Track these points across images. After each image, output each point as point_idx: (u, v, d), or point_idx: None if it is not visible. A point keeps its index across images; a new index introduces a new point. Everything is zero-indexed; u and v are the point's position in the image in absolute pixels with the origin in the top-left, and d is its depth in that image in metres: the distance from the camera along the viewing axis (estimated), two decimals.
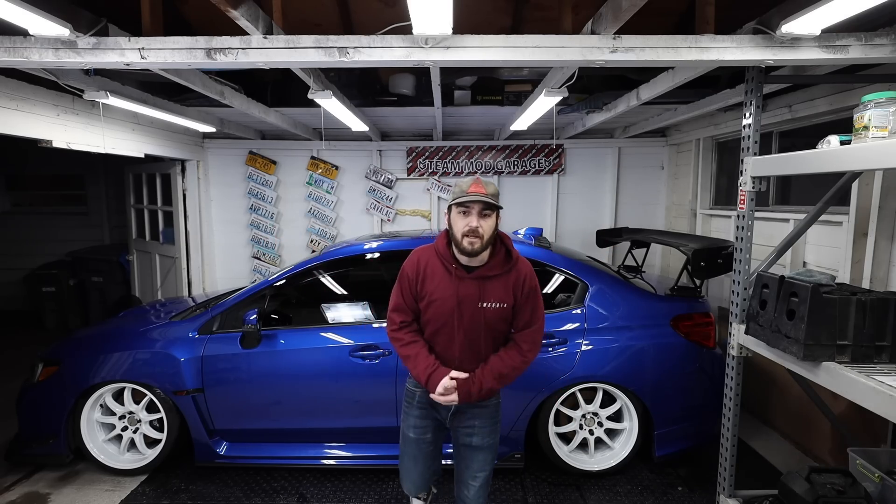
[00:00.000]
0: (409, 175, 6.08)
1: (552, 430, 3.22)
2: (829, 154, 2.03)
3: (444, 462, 2.43)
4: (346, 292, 3.43)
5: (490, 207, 1.94)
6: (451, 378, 1.99)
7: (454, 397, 2.00)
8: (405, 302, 2.10)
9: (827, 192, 2.50)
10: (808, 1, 1.95)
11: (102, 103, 3.64)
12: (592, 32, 2.33)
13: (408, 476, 2.26)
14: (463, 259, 2.02)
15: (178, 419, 3.21)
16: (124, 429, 3.31)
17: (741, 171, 2.56)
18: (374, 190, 6.11)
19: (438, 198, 6.11)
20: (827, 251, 3.43)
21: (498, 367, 2.04)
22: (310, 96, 3.27)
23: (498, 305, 2.01)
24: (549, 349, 3.11)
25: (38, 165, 7.31)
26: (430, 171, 6.05)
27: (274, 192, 6.10)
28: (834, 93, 3.25)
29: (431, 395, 2.03)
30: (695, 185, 5.25)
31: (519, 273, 2.05)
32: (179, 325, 3.34)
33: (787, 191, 4.11)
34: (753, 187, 2.52)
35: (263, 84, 4.19)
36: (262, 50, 2.30)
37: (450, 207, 2.01)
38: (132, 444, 3.34)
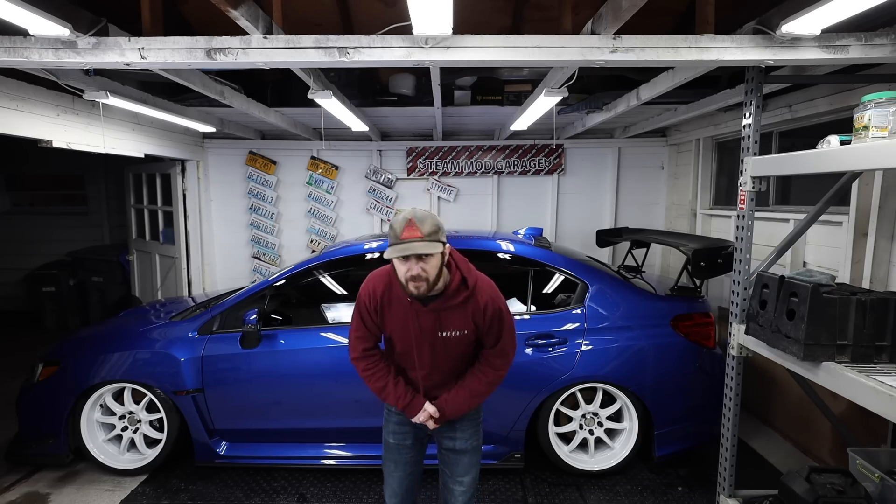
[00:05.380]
0: (409, 175, 6.08)
1: (552, 430, 3.22)
2: (829, 154, 2.03)
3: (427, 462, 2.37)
4: (346, 292, 3.43)
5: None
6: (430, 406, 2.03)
7: (431, 423, 2.05)
8: (366, 328, 2.04)
9: (827, 192, 2.50)
10: (808, 1, 1.95)
11: (102, 103, 3.64)
12: (592, 32, 2.33)
13: (388, 482, 2.25)
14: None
15: (178, 419, 3.21)
16: (124, 429, 3.32)
17: (741, 171, 2.56)
18: (374, 190, 6.11)
19: (439, 198, 6.11)
20: (827, 251, 3.43)
21: (472, 386, 2.03)
22: (310, 96, 3.27)
23: (458, 334, 1.95)
24: (549, 349, 3.11)
25: (38, 165, 7.30)
26: (430, 170, 6.06)
27: (274, 192, 6.10)
28: (834, 93, 3.24)
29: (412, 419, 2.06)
30: (695, 185, 5.25)
31: (477, 303, 1.93)
32: (179, 325, 3.34)
33: (787, 191, 4.10)
34: (753, 187, 2.52)
35: (263, 84, 4.19)
36: (262, 50, 2.30)
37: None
38: (132, 444, 3.34)
